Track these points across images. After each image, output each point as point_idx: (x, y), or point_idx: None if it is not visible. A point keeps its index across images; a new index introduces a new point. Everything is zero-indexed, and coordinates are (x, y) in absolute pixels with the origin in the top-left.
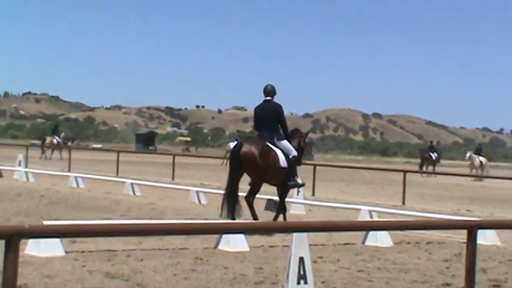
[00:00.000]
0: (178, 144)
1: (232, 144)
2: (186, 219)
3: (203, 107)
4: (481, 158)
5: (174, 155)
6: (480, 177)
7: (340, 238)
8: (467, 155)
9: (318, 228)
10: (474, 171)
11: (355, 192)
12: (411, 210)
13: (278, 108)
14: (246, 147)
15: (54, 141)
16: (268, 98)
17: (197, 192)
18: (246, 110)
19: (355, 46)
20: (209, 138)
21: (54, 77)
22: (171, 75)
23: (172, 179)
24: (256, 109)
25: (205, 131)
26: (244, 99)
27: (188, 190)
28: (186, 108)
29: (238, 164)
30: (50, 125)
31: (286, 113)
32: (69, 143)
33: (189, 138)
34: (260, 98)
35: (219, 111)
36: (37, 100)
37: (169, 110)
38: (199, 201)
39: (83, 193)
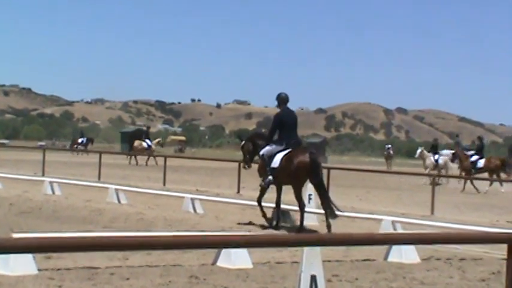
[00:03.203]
0: (170, 144)
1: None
2: (179, 231)
3: (199, 101)
4: (438, 156)
5: (165, 157)
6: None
7: (358, 253)
8: (418, 151)
9: (333, 242)
10: (428, 172)
11: (376, 200)
12: (442, 221)
13: (297, 117)
14: (315, 156)
15: (144, 144)
16: (286, 106)
17: (192, 199)
18: (249, 104)
19: (375, 33)
20: (206, 137)
21: (25, 66)
22: (162, 64)
23: (164, 184)
24: (282, 116)
25: (202, 128)
26: (247, 92)
27: (182, 197)
28: (179, 103)
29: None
30: (136, 130)
31: (295, 107)
32: (90, 145)
33: (183, 137)
34: (263, 91)
35: (218, 106)
36: (5, 93)
37: (160, 105)
38: (195, 211)
39: (60, 201)
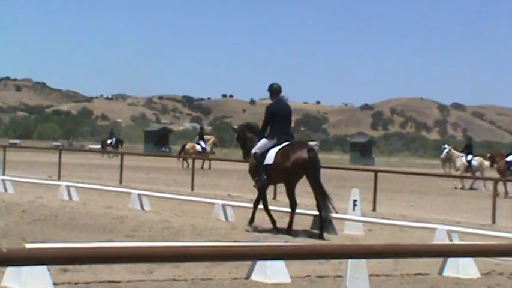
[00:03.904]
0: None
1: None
2: (209, 241)
3: (231, 96)
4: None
5: (193, 159)
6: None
7: (409, 266)
8: (445, 150)
9: (381, 253)
10: (454, 173)
11: (429, 207)
12: (504, 231)
13: (291, 109)
14: (314, 152)
15: (198, 147)
16: (279, 97)
17: (223, 206)
18: (286, 100)
19: (427, 22)
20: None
21: (39, 58)
22: (190, 56)
23: (192, 189)
24: (274, 108)
25: (235, 127)
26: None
27: (212, 204)
28: (209, 98)
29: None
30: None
31: (339, 103)
32: (120, 147)
33: (213, 137)
34: (302, 85)
35: (252, 102)
36: (17, 88)
37: (188, 101)
38: (226, 218)
39: (77, 208)
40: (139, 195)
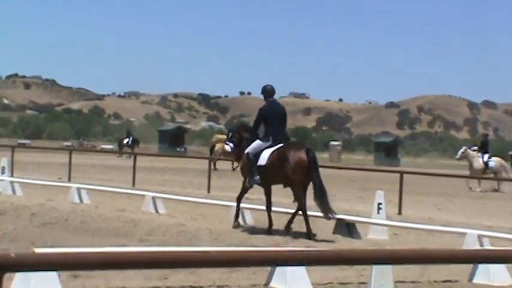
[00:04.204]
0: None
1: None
2: (226, 245)
3: (249, 94)
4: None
5: (210, 159)
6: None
7: (437, 273)
8: (461, 150)
9: (407, 259)
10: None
11: (458, 210)
12: None
13: (285, 110)
14: (312, 153)
15: (227, 148)
16: (272, 99)
17: (241, 209)
18: (307, 97)
19: (457, 16)
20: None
21: (49, 54)
22: (206, 52)
23: (208, 191)
24: (267, 110)
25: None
26: (305, 84)
27: (229, 206)
28: (226, 96)
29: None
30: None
31: (363, 101)
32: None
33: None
34: (324, 82)
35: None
36: (26, 85)
37: (204, 99)
38: (245, 222)
39: (88, 211)
40: (154, 198)
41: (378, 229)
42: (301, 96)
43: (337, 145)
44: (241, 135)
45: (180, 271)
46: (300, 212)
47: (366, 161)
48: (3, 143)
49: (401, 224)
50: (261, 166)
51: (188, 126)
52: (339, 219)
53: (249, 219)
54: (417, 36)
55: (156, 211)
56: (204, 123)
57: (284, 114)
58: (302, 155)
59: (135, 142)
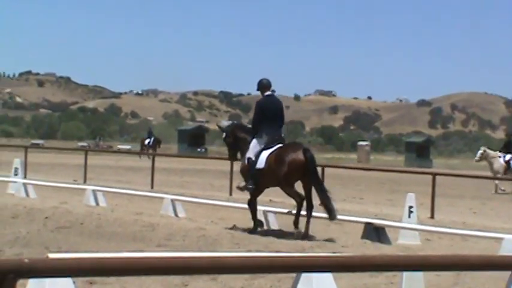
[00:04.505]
0: None
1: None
2: (249, 251)
3: (273, 91)
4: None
5: (232, 161)
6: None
7: (472, 281)
8: (479, 151)
9: (440, 266)
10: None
11: (494, 214)
12: None
13: (283, 105)
14: (310, 154)
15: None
16: (270, 92)
17: (265, 212)
18: (334, 95)
19: (492, 8)
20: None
21: (64, 51)
22: (227, 48)
23: (230, 194)
24: (265, 104)
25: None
26: (332, 81)
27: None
28: (248, 94)
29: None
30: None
31: (393, 99)
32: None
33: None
34: (351, 79)
35: (296, 98)
36: (39, 83)
37: (226, 96)
38: (268, 226)
39: (105, 214)
40: (173, 201)
41: (408, 234)
42: (328, 93)
43: (366, 145)
44: (236, 135)
45: (200, 278)
46: (300, 211)
47: (396, 162)
48: (16, 143)
49: (434, 229)
50: (258, 169)
51: (209, 125)
52: (367, 223)
53: (273, 222)
54: (450, 30)
55: (176, 215)
56: (225, 123)
57: (281, 109)
58: (300, 156)
59: (157, 142)
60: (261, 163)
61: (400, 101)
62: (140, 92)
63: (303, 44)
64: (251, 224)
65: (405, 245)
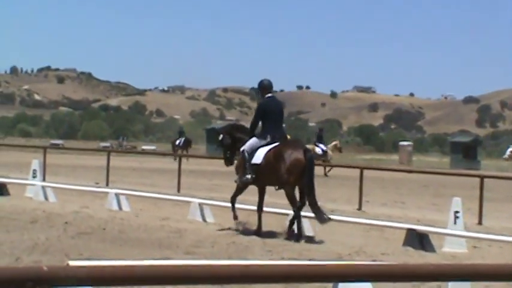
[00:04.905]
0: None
1: None
2: (282, 259)
3: (308, 88)
4: None
5: None
6: None
7: None
8: (509, 150)
9: (488, 276)
10: None
11: None
12: None
13: (283, 107)
14: (310, 154)
15: (318, 150)
16: (271, 94)
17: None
18: (374, 92)
19: None
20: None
21: (85, 46)
22: (260, 42)
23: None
24: (265, 106)
25: (312, 124)
26: (371, 77)
27: (285, 215)
28: (282, 91)
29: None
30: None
31: (437, 96)
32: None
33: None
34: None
35: (333, 95)
36: (59, 79)
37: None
38: (303, 232)
39: (128, 219)
40: (201, 205)
41: (454, 241)
42: (367, 90)
43: (408, 145)
44: (234, 136)
45: (231, 287)
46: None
47: (441, 164)
48: (34, 144)
49: (482, 236)
50: (255, 165)
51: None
52: (410, 230)
53: (307, 228)
54: (498, 21)
55: (204, 220)
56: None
57: (282, 110)
58: (300, 155)
59: (188, 143)
60: (257, 158)
61: (445, 98)
62: (166, 89)
63: (339, 37)
64: (276, 230)
65: (451, 253)
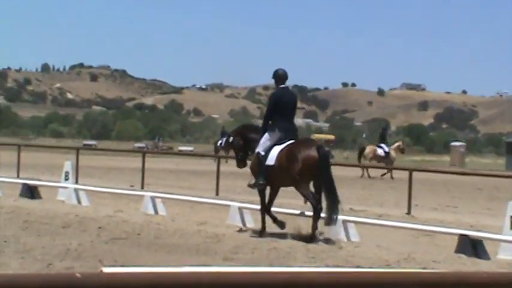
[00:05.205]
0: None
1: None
2: (326, 266)
3: (354, 85)
4: None
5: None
6: None
7: None
8: None
9: None
10: None
11: None
12: None
13: (297, 99)
14: (323, 150)
15: (379, 151)
16: (284, 85)
17: (344, 222)
18: (423, 89)
19: None
20: (364, 135)
21: (119, 42)
22: (301, 38)
23: (304, 202)
24: (279, 96)
25: (358, 124)
26: (420, 74)
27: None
28: (326, 88)
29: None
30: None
31: (492, 93)
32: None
33: (331, 137)
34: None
35: (380, 93)
36: (92, 77)
37: (300, 91)
38: (348, 238)
39: (164, 224)
40: (240, 209)
41: (510, 248)
42: (416, 87)
43: (460, 146)
44: (246, 136)
45: None
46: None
47: (496, 166)
48: (66, 145)
49: None
50: (269, 166)
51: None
52: (462, 236)
53: (353, 234)
54: None
55: (244, 224)
56: (299, 120)
57: (295, 103)
58: (312, 152)
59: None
60: (271, 159)
61: (500, 95)
62: (204, 87)
63: (387, 30)
64: (330, 235)
65: (506, 261)
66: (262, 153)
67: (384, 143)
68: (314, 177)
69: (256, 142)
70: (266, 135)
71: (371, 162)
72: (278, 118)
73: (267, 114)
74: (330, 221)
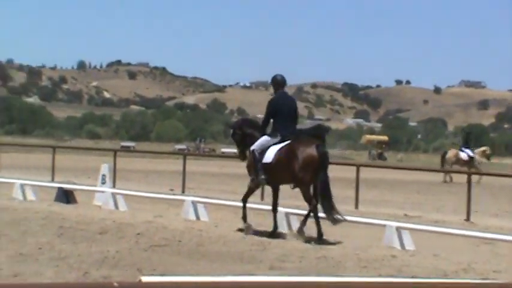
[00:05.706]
0: (365, 147)
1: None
2: (379, 276)
3: (408, 83)
4: None
5: (358, 166)
6: None
7: None
8: None
9: None
10: None
11: None
12: None
13: (296, 103)
14: (323, 149)
15: (462, 155)
16: (283, 90)
17: (398, 229)
18: (483, 87)
19: None
20: (419, 136)
21: (158, 38)
22: (352, 33)
23: (355, 206)
24: (277, 102)
25: (413, 124)
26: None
27: (382, 226)
28: (378, 86)
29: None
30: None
31: None
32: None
33: (384, 138)
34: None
35: (437, 91)
36: (131, 74)
37: (350, 89)
38: (402, 246)
39: (207, 230)
40: (287, 215)
41: None
42: (476, 85)
43: None
44: (244, 131)
45: None
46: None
47: None
48: (103, 147)
49: None
50: (266, 164)
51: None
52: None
53: (408, 241)
54: None
55: (290, 231)
56: (350, 121)
57: (295, 108)
58: (312, 151)
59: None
60: (268, 157)
61: None
62: (248, 85)
63: (444, 25)
64: (372, 243)
65: None
66: (258, 152)
67: (467, 147)
68: (315, 175)
69: (251, 137)
70: (266, 137)
71: (452, 167)
72: (279, 123)
73: (264, 119)
74: (335, 220)
